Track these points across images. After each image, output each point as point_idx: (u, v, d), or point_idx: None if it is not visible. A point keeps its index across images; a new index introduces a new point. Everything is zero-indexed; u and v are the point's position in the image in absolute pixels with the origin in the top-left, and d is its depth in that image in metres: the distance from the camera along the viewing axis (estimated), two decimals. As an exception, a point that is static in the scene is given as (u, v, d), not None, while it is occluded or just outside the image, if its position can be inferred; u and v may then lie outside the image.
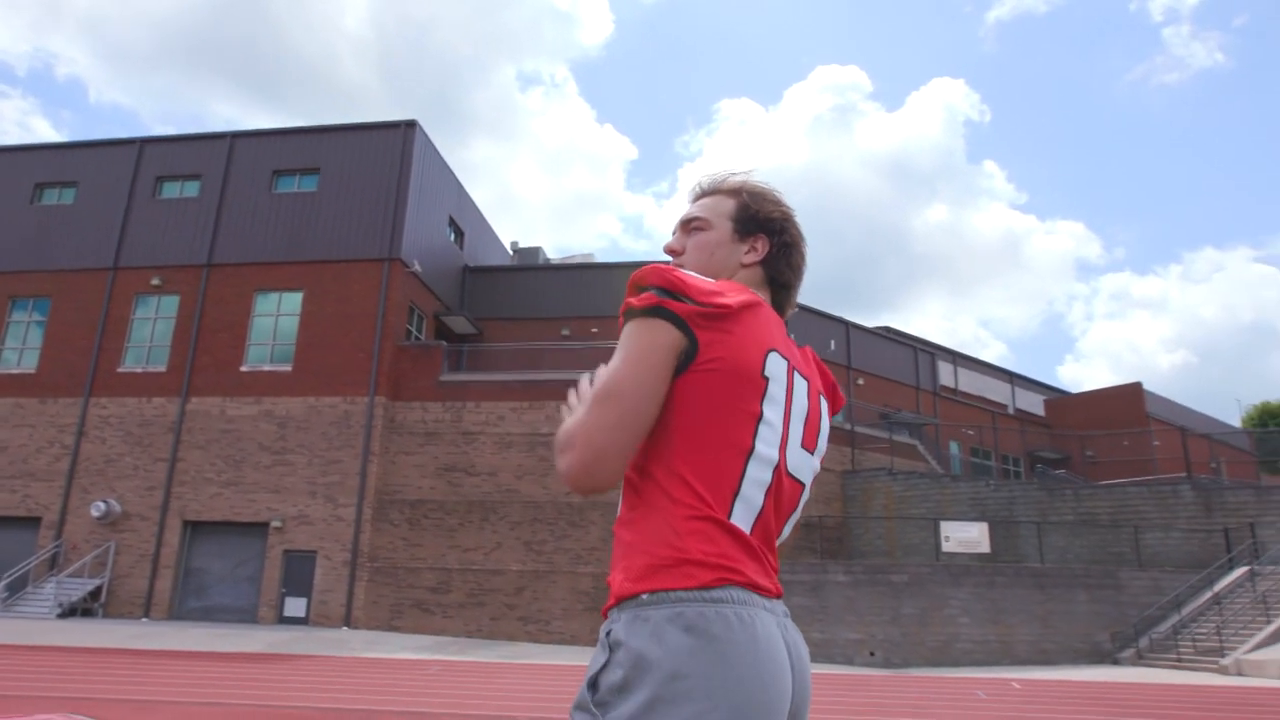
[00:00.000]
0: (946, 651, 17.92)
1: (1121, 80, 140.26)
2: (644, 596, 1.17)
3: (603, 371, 1.24)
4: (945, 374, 37.56)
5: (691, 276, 1.26)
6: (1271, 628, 16.70)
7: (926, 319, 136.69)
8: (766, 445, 1.24)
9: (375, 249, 22.70)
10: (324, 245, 23.08)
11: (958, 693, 12.27)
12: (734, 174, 1.54)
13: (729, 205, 1.50)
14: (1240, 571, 19.57)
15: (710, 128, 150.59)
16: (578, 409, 1.25)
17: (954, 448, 34.78)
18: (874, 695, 11.87)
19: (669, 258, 1.52)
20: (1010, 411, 39.61)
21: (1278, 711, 10.57)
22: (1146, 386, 38.11)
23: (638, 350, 1.22)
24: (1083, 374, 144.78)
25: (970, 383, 38.79)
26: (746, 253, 1.48)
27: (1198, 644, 17.24)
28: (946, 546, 20.31)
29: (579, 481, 1.19)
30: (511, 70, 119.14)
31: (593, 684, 1.16)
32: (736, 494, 1.21)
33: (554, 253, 34.29)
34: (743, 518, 1.22)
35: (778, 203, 1.51)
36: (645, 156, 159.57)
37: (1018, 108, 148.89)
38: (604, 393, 1.21)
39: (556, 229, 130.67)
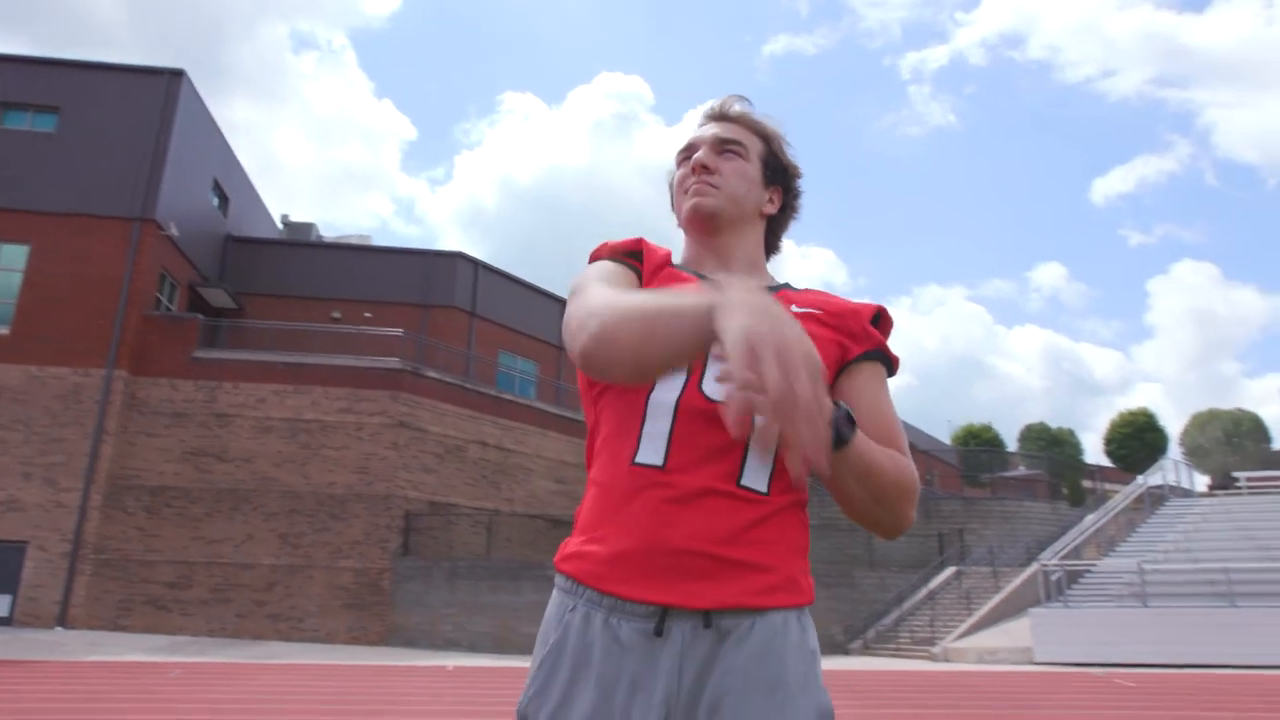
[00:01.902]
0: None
1: (873, 126, 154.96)
2: None
3: (897, 415, 1.24)
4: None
5: None
6: (972, 619, 19.13)
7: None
8: None
9: (125, 206, 20.40)
10: (60, 195, 20.39)
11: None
12: (765, 114, 1.43)
13: (760, 145, 1.41)
14: (950, 571, 22.24)
15: (493, 118, 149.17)
16: (903, 436, 1.22)
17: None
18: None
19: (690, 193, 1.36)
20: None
21: (972, 690, 12.08)
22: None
23: None
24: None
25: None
26: (769, 201, 1.41)
27: (914, 635, 19.42)
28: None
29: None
30: (284, 28, 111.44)
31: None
32: None
33: (327, 231, 32.47)
34: None
35: (796, 161, 1.44)
36: (424, 138, 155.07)
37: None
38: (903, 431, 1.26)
39: (323, 202, 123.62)
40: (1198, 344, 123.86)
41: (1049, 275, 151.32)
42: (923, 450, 38.20)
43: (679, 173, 1.41)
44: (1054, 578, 18.11)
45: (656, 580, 1.09)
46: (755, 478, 1.13)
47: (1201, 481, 32.29)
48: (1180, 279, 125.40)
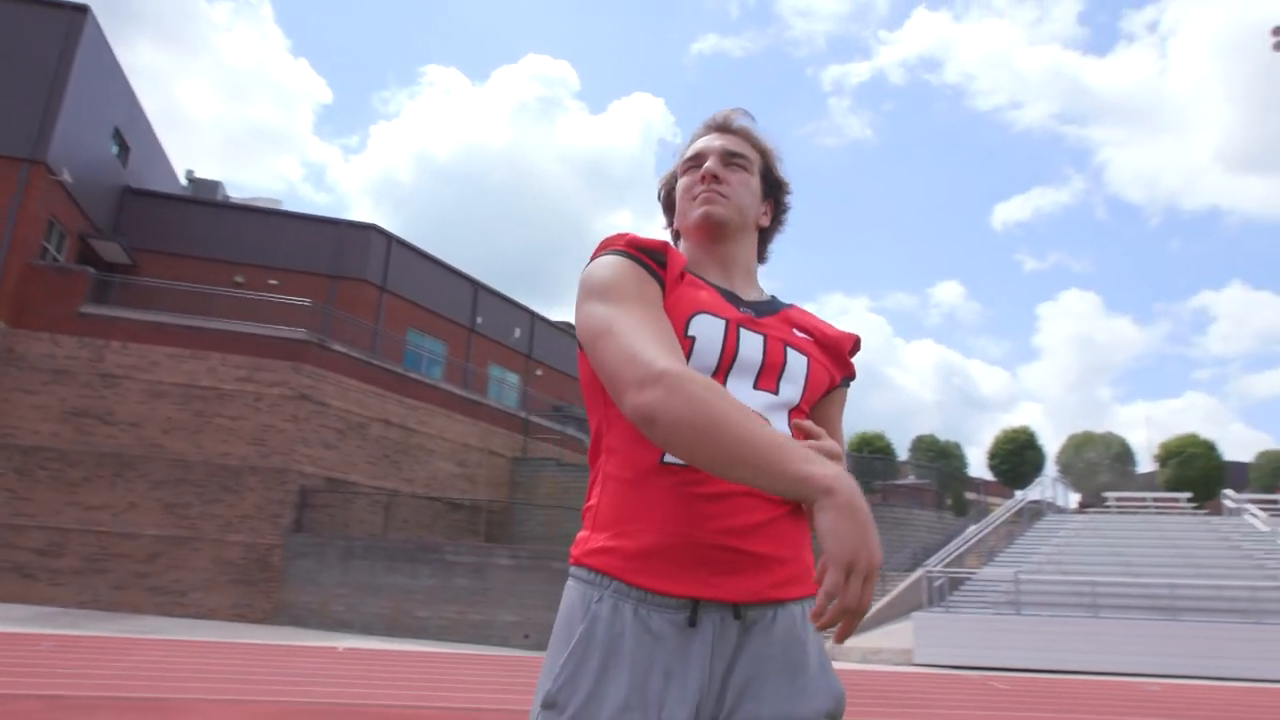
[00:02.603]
0: (595, 635, 19.04)
1: (792, 133, 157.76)
2: None
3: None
4: (615, 375, 39.72)
5: None
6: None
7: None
8: None
9: (14, 145, 19.08)
10: (-61, 128, 18.96)
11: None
12: (763, 130, 1.52)
13: (759, 160, 1.50)
14: (839, 573, 22.95)
15: (414, 90, 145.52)
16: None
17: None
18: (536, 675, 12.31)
19: (712, 185, 1.43)
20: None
21: (856, 688, 12.49)
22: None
23: None
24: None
25: (635, 386, 41.41)
26: (764, 214, 1.51)
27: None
28: (606, 537, 21.57)
29: None
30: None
31: None
32: None
33: (234, 192, 31.13)
34: None
35: (786, 176, 1.54)
36: (340, 103, 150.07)
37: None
38: None
39: (229, 161, 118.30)
40: (1078, 368, 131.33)
41: (948, 293, 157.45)
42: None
43: (685, 180, 1.47)
44: (937, 584, 18.93)
45: (689, 574, 1.16)
46: None
47: (1074, 499, 34.26)
48: (1067, 306, 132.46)
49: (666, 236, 1.54)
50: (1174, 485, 35.27)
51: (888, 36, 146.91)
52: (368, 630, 17.55)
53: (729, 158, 1.45)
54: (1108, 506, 26.74)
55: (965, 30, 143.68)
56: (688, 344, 1.24)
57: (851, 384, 1.49)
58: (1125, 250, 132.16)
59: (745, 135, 1.49)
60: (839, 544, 0.98)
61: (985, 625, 17.15)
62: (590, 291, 1.28)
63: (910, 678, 14.50)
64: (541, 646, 18.22)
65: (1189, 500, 26.60)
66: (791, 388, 1.31)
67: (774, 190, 1.51)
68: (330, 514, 19.75)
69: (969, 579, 19.44)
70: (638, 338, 1.15)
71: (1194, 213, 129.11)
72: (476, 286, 30.22)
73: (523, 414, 28.27)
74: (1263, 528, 21.91)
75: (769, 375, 1.29)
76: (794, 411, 1.32)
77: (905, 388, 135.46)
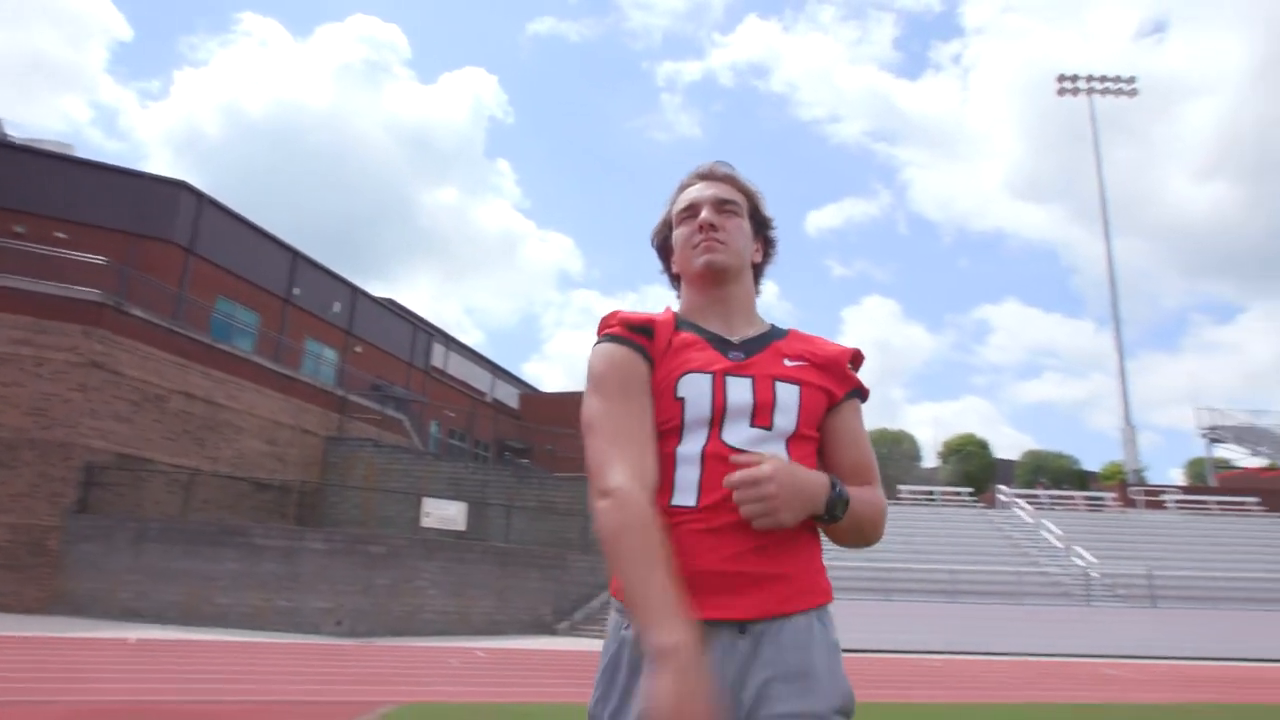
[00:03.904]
0: (410, 621, 18.57)
1: (625, 125, 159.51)
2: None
3: (870, 445, 1.55)
4: (438, 355, 38.84)
5: None
6: (673, 606, 20.49)
7: (417, 294, 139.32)
8: None
9: None
10: None
11: (431, 659, 12.91)
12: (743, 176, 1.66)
13: (745, 202, 1.62)
14: (655, 559, 23.60)
15: (226, 38, 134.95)
16: (875, 467, 1.53)
17: (434, 427, 36.09)
18: (356, 664, 11.91)
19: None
20: (489, 400, 42.36)
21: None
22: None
23: None
24: (544, 373, 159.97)
25: (458, 367, 40.64)
26: (756, 251, 1.63)
27: (619, 618, 20.41)
28: (425, 522, 21.06)
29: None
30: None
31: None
32: None
33: (12, 130, 27.76)
34: None
35: (770, 214, 1.68)
36: (141, 43, 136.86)
37: (539, 119, 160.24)
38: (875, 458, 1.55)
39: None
40: (877, 370, 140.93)
41: (764, 292, 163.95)
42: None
43: (683, 229, 1.58)
44: (748, 569, 19.85)
45: (697, 599, 1.28)
46: None
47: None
48: (869, 311, 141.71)
49: (665, 280, 1.67)
50: (955, 480, 38.67)
51: (720, 39, 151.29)
52: (159, 619, 16.31)
53: (722, 205, 1.57)
54: (900, 498, 28.97)
55: (792, 42, 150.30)
56: (679, 405, 1.40)
57: (864, 396, 1.57)
58: (922, 263, 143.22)
59: (731, 181, 1.62)
60: (650, 705, 1.17)
61: (791, 609, 18.17)
62: (588, 381, 1.48)
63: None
64: (354, 633, 17.61)
65: (969, 494, 29.30)
66: (785, 418, 1.42)
67: (762, 228, 1.64)
68: (120, 493, 18.15)
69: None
70: (610, 447, 1.38)
71: (981, 234, 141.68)
72: (295, 256, 28.61)
73: (340, 392, 27.10)
74: (1028, 519, 24.50)
75: (762, 413, 1.41)
76: (792, 439, 1.43)
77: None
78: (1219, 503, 29.70)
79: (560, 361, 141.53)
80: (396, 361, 34.81)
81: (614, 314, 1.50)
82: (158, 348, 19.29)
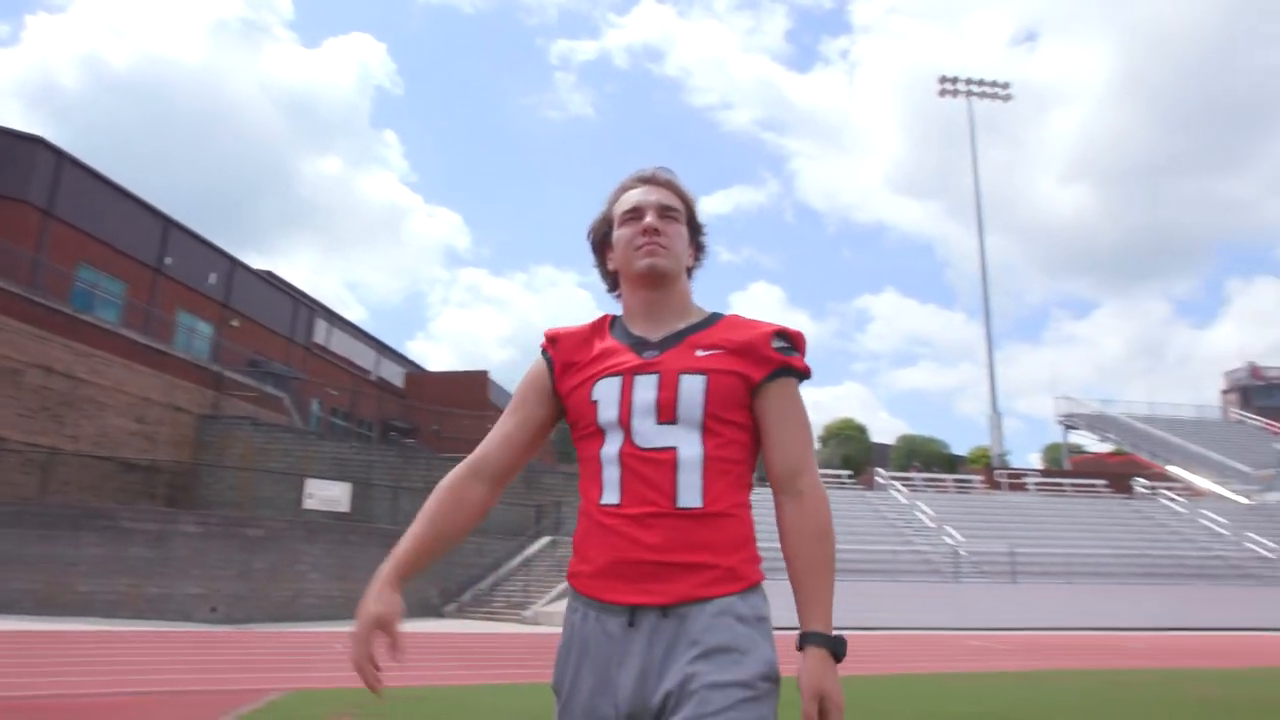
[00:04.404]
0: (291, 606, 17.97)
1: (518, 101, 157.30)
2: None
3: (809, 428, 1.57)
4: (320, 331, 37.53)
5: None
6: (562, 585, 20.52)
7: (296, 267, 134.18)
8: None
9: None
10: None
11: (316, 645, 12.55)
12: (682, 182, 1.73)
13: (683, 208, 1.68)
14: (545, 540, 23.60)
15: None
16: (806, 450, 1.55)
17: (315, 406, 34.90)
18: (236, 651, 11.45)
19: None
20: (373, 378, 41.22)
21: (554, 649, 13.10)
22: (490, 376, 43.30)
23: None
24: (429, 352, 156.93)
25: (341, 344, 39.36)
26: (690, 255, 1.70)
27: (509, 599, 20.33)
28: (308, 503, 20.39)
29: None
30: None
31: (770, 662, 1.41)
32: None
33: None
34: None
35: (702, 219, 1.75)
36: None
37: (429, 91, 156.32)
38: (813, 443, 1.59)
39: None
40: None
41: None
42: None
43: (626, 230, 1.64)
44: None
45: (626, 586, 1.43)
46: (689, 497, 1.44)
47: (754, 473, 37.78)
48: (755, 297, 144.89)
49: (598, 276, 1.75)
50: (835, 463, 40.12)
51: (616, 20, 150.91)
52: (10, 608, 15.24)
53: (665, 211, 1.64)
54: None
55: (687, 27, 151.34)
56: (593, 408, 1.52)
57: (794, 375, 1.56)
58: (807, 252, 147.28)
59: (673, 188, 1.69)
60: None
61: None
62: None
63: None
64: (230, 619, 16.93)
65: (849, 476, 30.46)
66: (690, 410, 1.48)
67: (696, 234, 1.72)
68: (-32, 473, 16.86)
69: (666, 545, 20.84)
70: (489, 437, 1.64)
71: (864, 226, 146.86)
72: (166, 222, 27.05)
73: (215, 367, 25.85)
74: (904, 501, 25.67)
75: (666, 408, 1.48)
76: (705, 429, 1.48)
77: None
78: (1073, 485, 31.89)
79: (447, 340, 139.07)
80: (276, 337, 33.45)
81: (547, 330, 1.69)
82: (12, 317, 17.92)
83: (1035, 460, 58.60)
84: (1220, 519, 25.63)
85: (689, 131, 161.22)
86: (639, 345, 1.57)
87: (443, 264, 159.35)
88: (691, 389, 1.48)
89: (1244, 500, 30.41)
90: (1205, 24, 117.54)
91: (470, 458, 1.62)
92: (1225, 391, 51.31)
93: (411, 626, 16.64)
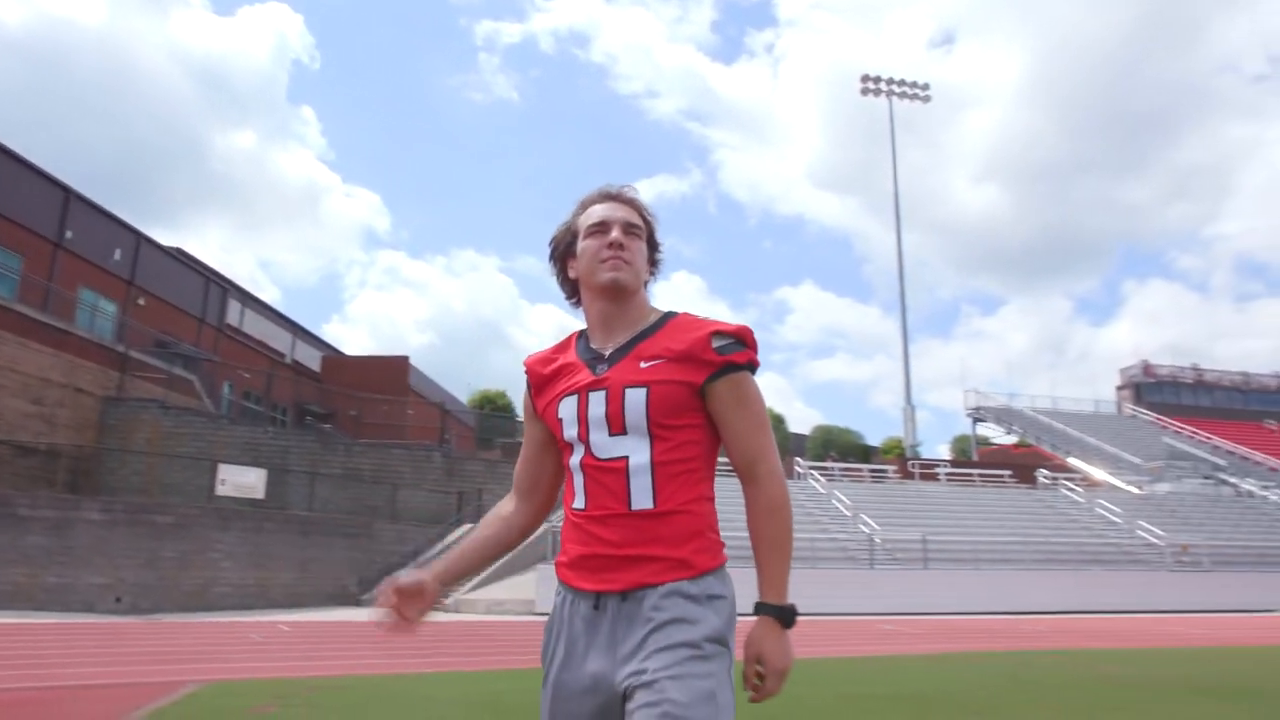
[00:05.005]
0: (202, 596, 17.42)
1: (442, 82, 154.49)
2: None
3: (762, 417, 1.69)
4: (233, 312, 36.29)
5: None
6: (484, 573, 20.37)
7: (205, 244, 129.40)
8: None
9: None
10: None
11: (230, 635, 12.20)
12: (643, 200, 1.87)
13: (643, 226, 1.81)
14: (466, 527, 23.38)
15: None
16: (760, 438, 1.67)
17: (227, 389, 33.74)
18: (146, 642, 11.05)
19: (619, 243, 1.74)
20: (288, 361, 40.06)
21: (480, 638, 13.05)
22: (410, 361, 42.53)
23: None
24: (346, 335, 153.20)
25: (255, 326, 38.13)
26: (647, 271, 1.83)
27: (429, 588, 20.07)
28: (221, 490, 19.75)
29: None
30: None
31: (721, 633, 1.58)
32: None
33: None
34: None
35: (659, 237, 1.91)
36: None
37: (349, 67, 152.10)
38: (769, 429, 1.70)
39: None
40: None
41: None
42: (448, 410, 39.28)
43: (591, 243, 1.75)
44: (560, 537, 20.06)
45: (592, 576, 1.62)
46: (641, 500, 1.59)
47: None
48: (676, 286, 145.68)
49: (558, 284, 1.88)
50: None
51: (542, 3, 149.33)
52: (-103, 598, 14.42)
53: (629, 228, 1.76)
54: (705, 469, 30.12)
55: (614, 13, 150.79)
56: (560, 424, 1.70)
57: (748, 368, 1.69)
58: (729, 242, 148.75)
59: (636, 206, 1.81)
60: None
61: (602, 575, 18.56)
62: None
63: (533, 626, 15.31)
64: (137, 610, 16.31)
65: (768, 465, 30.95)
66: (636, 420, 1.62)
67: (654, 250, 1.85)
68: None
69: (589, 533, 20.86)
70: (519, 460, 1.90)
71: (785, 218, 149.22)
72: (68, 194, 25.73)
73: (120, 348, 24.77)
74: (821, 490, 26.28)
75: (614, 422, 1.63)
76: (654, 437, 1.63)
77: (527, 348, 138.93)
78: (981, 475, 33.17)
79: (364, 323, 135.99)
80: (186, 317, 32.22)
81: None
82: (-104, 290, 16.84)
83: (944, 451, 60.71)
84: (1115, 508, 27.00)
85: (614, 119, 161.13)
86: (594, 361, 1.71)
87: (361, 245, 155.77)
88: (635, 401, 1.62)
89: (1136, 491, 32.14)
90: (1114, 34, 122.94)
91: (512, 490, 1.91)
92: (1120, 387, 53.87)
93: (329, 616, 16.37)
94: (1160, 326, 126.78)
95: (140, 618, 15.28)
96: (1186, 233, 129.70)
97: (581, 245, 1.78)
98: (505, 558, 20.83)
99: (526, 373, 1.85)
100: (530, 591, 18.50)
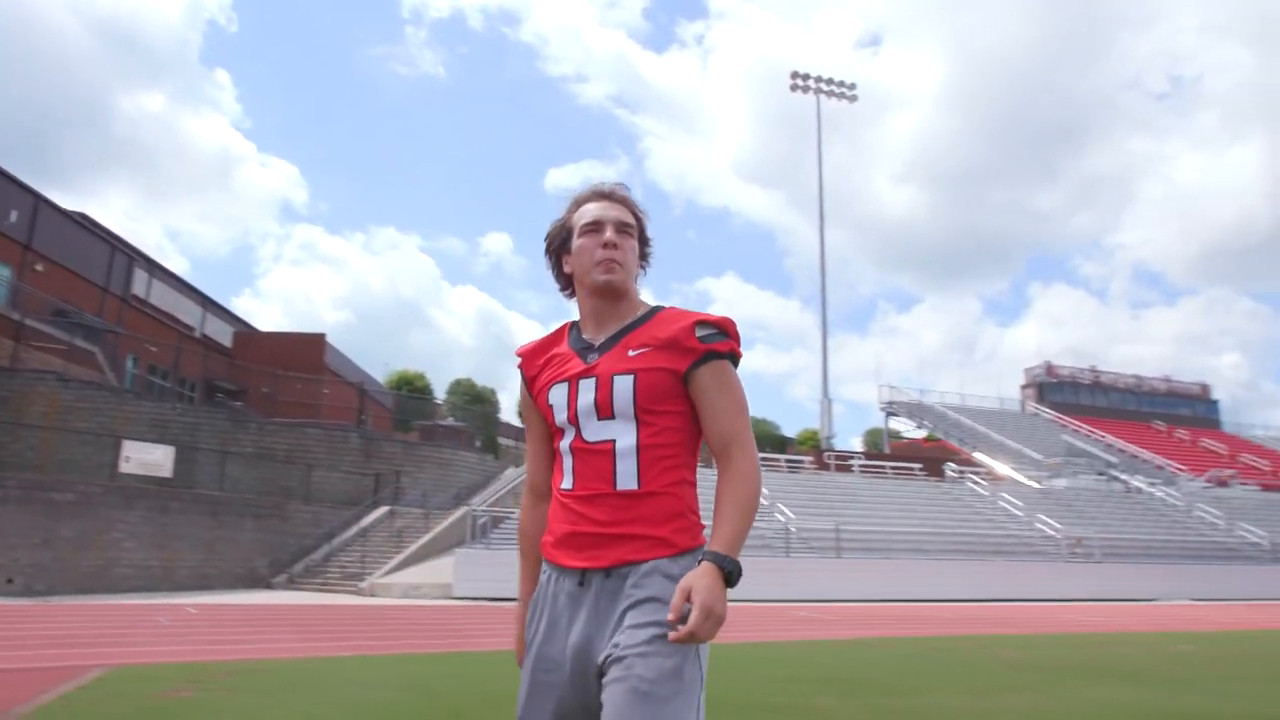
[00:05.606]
0: (102, 577, 16.72)
1: (366, 52, 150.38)
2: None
3: (742, 404, 1.75)
4: (140, 282, 34.74)
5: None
6: (401, 556, 20.11)
7: (109, 210, 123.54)
8: None
9: None
10: None
11: (135, 618, 11.75)
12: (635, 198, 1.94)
13: (634, 224, 1.88)
14: (383, 510, 23.02)
15: None
16: (736, 422, 1.72)
17: (131, 362, 32.31)
18: (43, 626, 10.57)
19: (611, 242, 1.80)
20: (198, 335, 38.58)
21: (394, 620, 12.91)
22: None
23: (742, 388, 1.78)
24: (258, 310, 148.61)
25: (163, 297, 36.59)
26: (638, 265, 1.90)
27: (344, 570, 19.70)
28: (125, 467, 18.93)
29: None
30: None
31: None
32: None
33: None
34: None
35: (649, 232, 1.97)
36: None
37: (267, 31, 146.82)
38: (748, 416, 1.76)
39: None
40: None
41: (497, 244, 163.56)
42: (366, 390, 38.49)
43: (586, 240, 1.83)
44: (480, 521, 19.96)
45: (577, 554, 1.70)
46: (626, 481, 1.67)
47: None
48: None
49: (553, 277, 1.93)
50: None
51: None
52: None
53: (622, 227, 1.83)
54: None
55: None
56: (550, 411, 1.79)
57: (731, 358, 1.77)
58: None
59: (628, 204, 1.88)
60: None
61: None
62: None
63: (450, 610, 15.20)
64: (31, 592, 15.55)
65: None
66: (623, 407, 1.71)
67: (644, 246, 1.91)
68: None
69: (509, 518, 20.77)
70: (528, 459, 1.95)
71: (710, 209, 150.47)
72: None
73: (14, 315, 23.50)
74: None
75: (603, 408, 1.72)
76: (640, 422, 1.71)
77: (446, 330, 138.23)
78: (893, 468, 34.20)
79: (278, 299, 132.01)
80: (88, 285, 30.71)
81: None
82: None
83: (858, 444, 62.35)
84: (1016, 501, 28.22)
85: (542, 101, 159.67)
86: (585, 351, 1.80)
87: (276, 218, 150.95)
88: (623, 388, 1.71)
89: (1035, 485, 33.63)
90: (1028, 45, 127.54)
91: (526, 484, 1.95)
92: (1024, 386, 56.22)
93: (238, 599, 15.93)
94: (1062, 330, 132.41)
95: (35, 600, 14.58)
96: (1089, 240, 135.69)
97: (577, 244, 1.84)
98: (422, 540, 20.59)
99: (520, 366, 1.91)
100: (447, 575, 18.34)
